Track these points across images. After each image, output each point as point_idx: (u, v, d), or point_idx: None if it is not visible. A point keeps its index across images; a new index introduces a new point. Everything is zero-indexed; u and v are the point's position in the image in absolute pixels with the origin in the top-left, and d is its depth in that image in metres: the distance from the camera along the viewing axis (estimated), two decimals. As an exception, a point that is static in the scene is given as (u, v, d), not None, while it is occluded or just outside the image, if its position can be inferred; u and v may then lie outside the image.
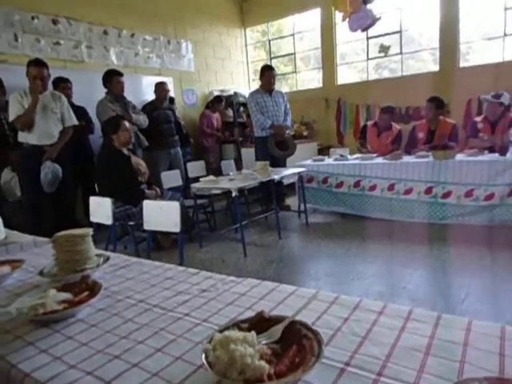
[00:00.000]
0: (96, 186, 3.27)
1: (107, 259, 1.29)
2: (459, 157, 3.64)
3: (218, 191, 3.61)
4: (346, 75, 6.74)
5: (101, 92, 4.13)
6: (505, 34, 5.15)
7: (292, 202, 4.72)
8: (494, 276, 2.59)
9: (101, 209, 2.53)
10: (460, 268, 2.76)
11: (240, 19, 7.37)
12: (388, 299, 2.32)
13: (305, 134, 6.23)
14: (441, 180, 3.59)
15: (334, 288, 2.60)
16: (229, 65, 7.14)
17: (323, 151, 5.91)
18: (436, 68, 5.68)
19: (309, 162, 4.46)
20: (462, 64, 5.53)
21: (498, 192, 3.37)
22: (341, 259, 3.13)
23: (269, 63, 7.15)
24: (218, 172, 4.58)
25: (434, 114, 4.11)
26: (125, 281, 1.21)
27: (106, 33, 5.01)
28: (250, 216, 4.38)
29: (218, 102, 5.89)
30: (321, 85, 6.79)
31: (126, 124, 3.26)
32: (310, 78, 7.26)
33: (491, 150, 3.71)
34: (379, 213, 3.96)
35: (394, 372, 0.67)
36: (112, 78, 4.07)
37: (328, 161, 4.44)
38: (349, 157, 4.50)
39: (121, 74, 4.11)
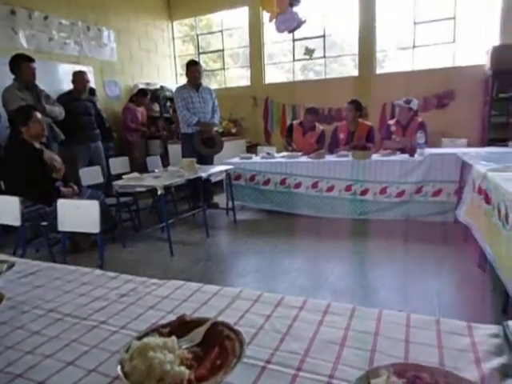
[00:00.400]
0: (1, 182, 2.94)
1: (12, 266, 1.16)
2: (375, 157, 3.93)
3: (143, 189, 3.47)
4: (273, 74, 6.89)
5: (8, 79, 3.72)
6: (414, 46, 5.66)
7: (220, 199, 4.72)
8: (405, 266, 2.84)
9: (7, 209, 2.28)
10: (377, 260, 2.98)
11: (167, 11, 7.15)
12: (311, 293, 2.42)
13: (233, 131, 6.26)
14: (359, 178, 3.85)
15: (260, 284, 2.65)
16: (155, 58, 6.89)
17: (251, 149, 5.99)
18: (356, 73, 6.06)
19: (236, 159, 4.49)
20: (378, 71, 5.98)
21: (408, 189, 3.71)
22: (268, 255, 3.20)
23: (197, 58, 7.04)
24: (143, 168, 4.40)
25: (354, 117, 4.39)
26: (33, 289, 1.10)
27: (13, 13, 4.52)
28: (177, 214, 4.28)
29: (142, 96, 5.65)
30: (249, 83, 6.87)
31: (38, 115, 2.98)
32: (239, 76, 7.30)
33: (402, 150, 4.06)
34: (305, 209, 4.12)
35: (312, 366, 0.69)
36: (21, 64, 3.68)
37: (255, 159, 4.51)
38: (275, 155, 4.61)
39: (31, 60, 3.74)
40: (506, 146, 3.93)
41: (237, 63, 7.33)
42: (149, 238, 3.70)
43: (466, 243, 2.81)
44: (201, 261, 3.11)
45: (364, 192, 3.86)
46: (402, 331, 0.84)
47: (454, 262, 2.80)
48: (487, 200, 2.30)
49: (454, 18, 5.31)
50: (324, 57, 6.27)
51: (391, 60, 6.20)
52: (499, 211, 2.03)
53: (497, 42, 4.98)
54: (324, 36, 6.19)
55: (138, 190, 3.53)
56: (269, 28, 6.22)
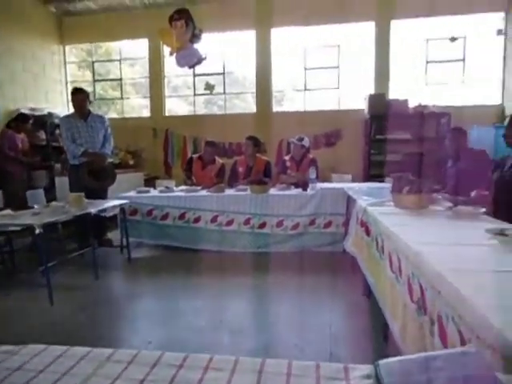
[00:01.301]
0: None
1: None
2: (272, 191, 4.08)
3: (18, 228, 3.04)
4: (176, 107, 6.86)
5: None
6: (305, 88, 6.18)
7: (116, 236, 4.38)
8: (300, 299, 2.91)
9: None
10: (274, 294, 3.01)
11: (59, 34, 6.72)
12: (206, 335, 2.33)
13: (131, 162, 5.98)
14: (257, 212, 3.94)
15: (152, 332, 2.45)
16: (43, 81, 6.34)
17: (150, 182, 5.77)
18: (255, 109, 6.36)
19: (132, 193, 4.26)
20: (277, 109, 6.36)
21: (302, 222, 3.91)
22: (164, 296, 3.02)
23: (92, 85, 6.68)
24: (23, 203, 3.88)
25: (252, 152, 4.54)
26: None
27: None
28: (64, 254, 3.83)
29: (22, 121, 5.08)
30: (148, 114, 6.71)
31: None
32: (142, 106, 7.08)
33: (296, 185, 4.29)
34: (205, 244, 4.04)
35: None
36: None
37: (153, 192, 4.33)
38: (174, 188, 4.50)
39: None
40: (383, 181, 4.43)
41: (139, 93, 7.13)
42: (28, 283, 3.23)
43: (354, 272, 3.01)
44: (87, 308, 2.79)
45: (262, 225, 3.95)
46: (282, 381, 0.82)
47: (344, 291, 2.97)
48: (367, 232, 2.52)
49: (338, 67, 5.97)
50: (224, 93, 6.47)
51: (288, 100, 6.66)
52: (377, 243, 2.22)
53: (372, 90, 5.72)
54: (224, 73, 6.41)
55: (12, 228, 3.08)
56: (171, 60, 6.24)
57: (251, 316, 2.72)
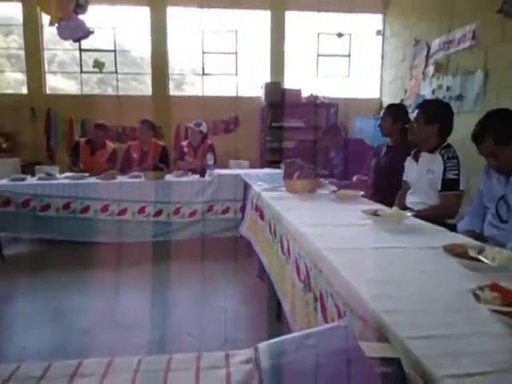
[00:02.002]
0: None
1: None
2: (168, 177, 3.93)
3: None
4: (62, 85, 6.13)
5: None
6: (203, 73, 6.06)
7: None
8: (197, 285, 2.88)
9: None
10: (171, 283, 2.92)
11: None
12: (91, 335, 2.15)
13: (4, 146, 5.21)
14: (152, 199, 3.76)
15: (27, 337, 2.18)
16: None
17: (28, 168, 5.10)
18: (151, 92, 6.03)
19: (5, 181, 3.71)
20: (174, 92, 6.11)
21: (200, 208, 3.86)
22: (46, 296, 2.71)
23: None
24: None
25: (147, 136, 4.30)
26: None
27: None
28: None
29: None
30: (26, 91, 5.89)
31: None
32: (18, 81, 6.13)
33: (194, 171, 4.21)
34: (94, 236, 3.72)
35: None
36: None
37: (31, 180, 3.83)
38: (58, 175, 4.04)
39: None
40: (279, 167, 4.60)
41: (14, 66, 6.15)
42: None
43: (250, 256, 3.08)
44: None
45: (158, 213, 3.79)
46: (159, 378, 0.76)
47: (240, 275, 3.03)
48: (262, 216, 2.58)
49: (236, 53, 5.98)
50: (116, 72, 6.00)
51: (189, 84, 6.45)
52: (270, 226, 2.29)
53: (268, 78, 5.86)
54: (115, 50, 5.92)
55: None
56: (52, 31, 5.53)
57: (145, 309, 2.59)
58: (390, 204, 2.37)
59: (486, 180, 1.91)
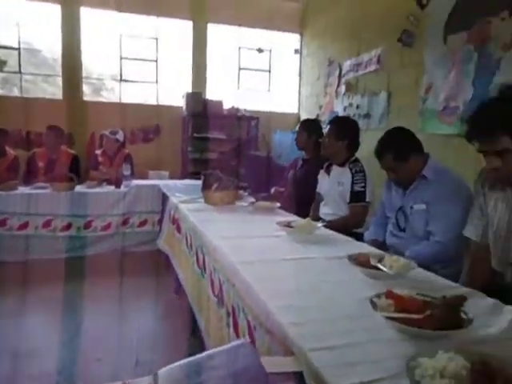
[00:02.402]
0: None
1: None
2: (79, 188, 3.64)
3: None
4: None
5: None
6: (121, 79, 5.79)
7: None
8: (109, 304, 2.68)
9: None
10: (80, 303, 2.67)
11: None
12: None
13: None
14: (60, 213, 3.44)
15: None
16: None
17: None
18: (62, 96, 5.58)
19: None
20: (89, 98, 5.73)
21: (114, 221, 3.63)
22: None
23: None
24: None
25: (54, 143, 3.95)
26: None
27: None
28: None
29: None
30: None
31: None
32: None
33: (109, 182, 3.96)
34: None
35: None
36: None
37: None
38: None
39: None
40: (199, 178, 4.53)
41: None
42: None
43: (167, 271, 2.96)
44: None
45: (66, 227, 3.47)
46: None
47: (157, 291, 2.89)
48: (179, 229, 2.50)
49: (157, 60, 5.82)
50: (20, 72, 5.45)
51: (109, 90, 6.07)
52: (186, 239, 2.23)
53: (190, 88, 5.80)
54: (19, 48, 5.39)
55: None
56: None
57: (50, 334, 2.33)
58: (305, 215, 2.46)
59: (387, 192, 2.08)
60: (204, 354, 0.76)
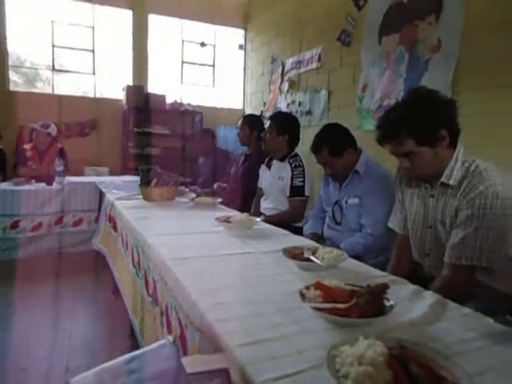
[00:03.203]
0: None
1: None
2: (4, 186, 3.35)
3: None
4: None
5: None
6: (54, 69, 5.40)
7: None
8: (41, 310, 2.49)
9: None
10: (5, 312, 2.46)
11: None
12: None
13: None
14: (-19, 212, 3.14)
15: None
16: None
17: None
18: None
19: None
20: (19, 88, 5.28)
21: (46, 221, 3.38)
22: None
23: None
24: None
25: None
26: None
27: None
28: None
29: None
30: None
31: None
32: None
33: (39, 178, 3.68)
34: None
35: None
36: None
37: None
38: None
39: None
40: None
41: None
42: None
43: (105, 271, 2.82)
44: None
45: (-11, 228, 3.19)
46: None
47: (93, 293, 2.74)
48: (115, 228, 2.39)
49: (93, 50, 5.50)
50: None
51: (45, 81, 5.61)
52: (122, 238, 2.12)
53: (130, 81, 5.57)
54: None
55: None
56: None
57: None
58: (248, 210, 2.46)
59: (324, 187, 2.13)
60: (123, 357, 0.71)
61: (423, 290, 1.10)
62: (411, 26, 3.16)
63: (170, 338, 0.75)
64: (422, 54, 3.09)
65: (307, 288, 0.95)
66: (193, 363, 0.68)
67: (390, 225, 1.58)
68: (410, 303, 1.01)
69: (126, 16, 5.59)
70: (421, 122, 1.25)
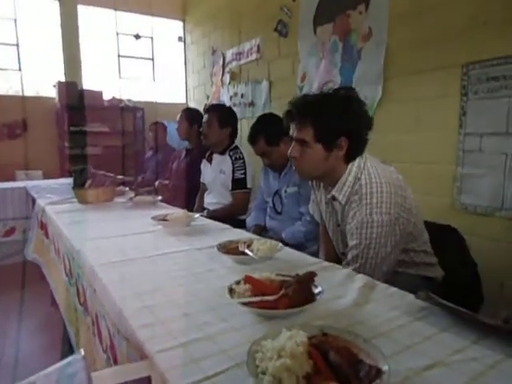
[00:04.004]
0: None
1: None
2: None
3: None
4: None
5: None
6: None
7: None
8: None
9: None
10: None
11: None
12: None
13: None
14: None
15: None
16: None
17: None
18: None
19: None
20: None
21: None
22: None
23: None
24: None
25: None
26: None
27: None
28: None
29: None
30: None
31: None
32: None
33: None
34: None
35: None
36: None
37: None
38: None
39: None
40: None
41: None
42: None
43: (42, 282, 2.63)
44: None
45: None
46: None
47: (30, 306, 2.56)
48: (47, 235, 2.23)
49: (17, 44, 5.09)
50: None
51: None
52: (54, 245, 1.99)
53: (62, 77, 5.22)
54: None
55: None
56: None
57: None
58: (192, 206, 2.39)
59: (264, 177, 2.13)
60: (27, 379, 0.65)
61: (355, 273, 1.12)
62: (343, 15, 3.22)
63: (82, 351, 0.69)
64: (354, 42, 3.16)
65: (237, 283, 0.93)
66: (98, 379, 0.63)
67: (311, 211, 1.59)
68: (342, 287, 1.02)
69: (52, 7, 5.22)
70: (326, 119, 1.23)
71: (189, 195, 2.74)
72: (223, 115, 2.51)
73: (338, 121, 1.23)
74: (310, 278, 0.89)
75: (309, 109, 1.25)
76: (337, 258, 1.40)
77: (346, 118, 1.23)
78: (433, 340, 0.75)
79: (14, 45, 5.07)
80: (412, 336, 0.76)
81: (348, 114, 1.24)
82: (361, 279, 1.06)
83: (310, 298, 0.86)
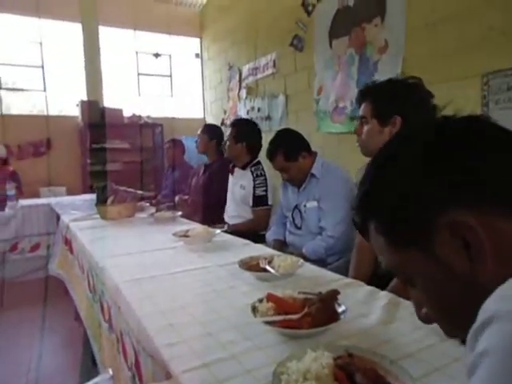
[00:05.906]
0: None
1: None
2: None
3: None
4: None
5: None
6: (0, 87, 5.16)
7: None
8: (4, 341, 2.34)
9: None
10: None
11: None
12: None
13: None
14: None
15: None
16: None
17: None
18: None
19: None
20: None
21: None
22: None
23: None
24: None
25: None
26: None
27: None
28: None
29: None
30: None
31: None
32: None
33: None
34: None
35: None
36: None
37: None
38: None
39: None
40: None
41: None
42: None
43: (66, 297, 2.69)
44: None
45: None
46: None
47: (54, 320, 2.61)
48: (71, 250, 2.28)
49: (42, 66, 5.30)
50: None
51: None
52: (78, 261, 2.03)
53: (84, 96, 5.39)
54: None
55: None
56: None
57: None
58: (212, 221, 2.41)
59: (284, 192, 2.13)
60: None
61: (378, 290, 1.10)
62: (359, 28, 3.24)
63: (110, 371, 0.70)
64: (371, 55, 3.17)
65: (260, 301, 0.93)
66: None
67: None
68: (365, 306, 1.00)
69: (75, 29, 5.43)
70: (383, 96, 1.34)
71: (210, 210, 2.76)
72: (238, 130, 2.53)
73: (393, 99, 1.31)
74: (333, 296, 0.88)
75: (371, 88, 1.38)
76: (368, 272, 1.39)
77: (403, 99, 1.30)
78: (462, 362, 0.73)
79: (39, 67, 5.29)
80: (440, 357, 0.74)
81: (406, 96, 1.30)
82: (385, 296, 1.05)
83: (334, 316, 0.85)
